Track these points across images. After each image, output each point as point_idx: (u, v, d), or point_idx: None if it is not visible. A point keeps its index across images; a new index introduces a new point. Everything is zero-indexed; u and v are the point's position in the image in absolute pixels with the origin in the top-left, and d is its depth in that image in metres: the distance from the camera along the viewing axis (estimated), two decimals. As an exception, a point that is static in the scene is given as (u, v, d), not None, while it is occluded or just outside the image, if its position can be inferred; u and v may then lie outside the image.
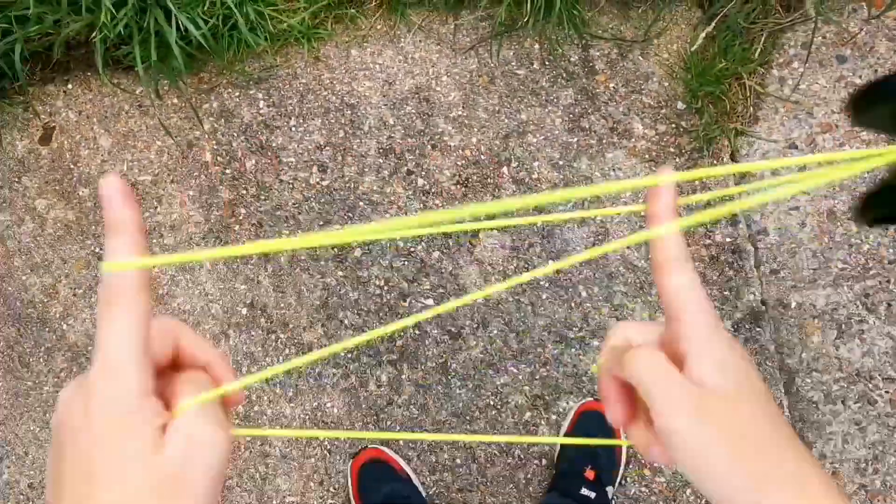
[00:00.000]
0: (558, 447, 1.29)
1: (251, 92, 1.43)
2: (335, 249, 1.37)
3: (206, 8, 1.29)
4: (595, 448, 1.24)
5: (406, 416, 1.33)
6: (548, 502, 1.25)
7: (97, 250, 1.41)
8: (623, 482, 1.28)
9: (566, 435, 1.29)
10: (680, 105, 1.37)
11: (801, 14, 1.35)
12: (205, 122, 1.42)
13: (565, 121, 1.38)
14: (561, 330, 1.33)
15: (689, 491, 1.27)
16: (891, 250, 1.30)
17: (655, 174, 0.40)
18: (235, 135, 1.42)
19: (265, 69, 1.42)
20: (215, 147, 1.42)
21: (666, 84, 1.37)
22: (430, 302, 1.35)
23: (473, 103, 1.40)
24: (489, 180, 1.37)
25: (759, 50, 1.35)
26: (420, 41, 1.42)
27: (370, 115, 1.41)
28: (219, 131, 1.42)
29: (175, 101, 1.43)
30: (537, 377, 1.32)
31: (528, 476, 1.31)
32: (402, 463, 1.30)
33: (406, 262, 1.36)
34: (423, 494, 1.29)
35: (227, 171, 1.41)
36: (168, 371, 0.38)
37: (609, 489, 1.23)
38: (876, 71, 1.35)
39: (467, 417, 1.32)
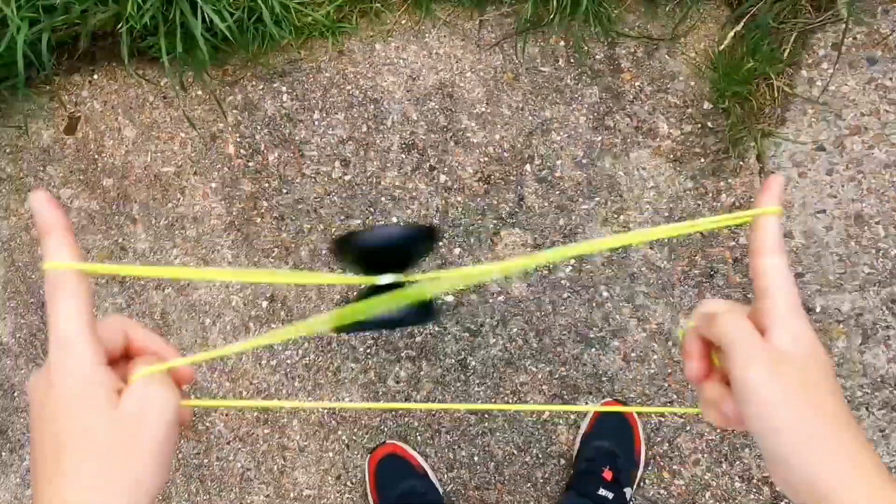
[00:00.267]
0: (576, 448, 1.28)
1: (275, 85, 1.43)
2: (356, 244, 1.37)
3: (231, 0, 1.29)
4: (614, 449, 1.24)
5: (424, 412, 1.33)
6: (565, 502, 1.24)
7: (120, 241, 1.42)
8: (642, 484, 1.27)
9: (584, 436, 1.28)
10: (706, 105, 1.35)
11: (831, 14, 1.33)
12: (228, 114, 1.42)
13: (589, 119, 1.37)
14: (581, 329, 1.32)
15: (707, 494, 1.27)
16: (919, 256, 1.29)
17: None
18: (259, 127, 1.42)
19: (289, 62, 1.42)
20: (238, 139, 1.42)
21: (692, 83, 1.36)
22: (450, 298, 1.35)
23: (497, 100, 1.39)
24: (512, 177, 1.37)
25: (787, 50, 1.33)
26: (445, 37, 1.41)
27: (393, 111, 1.40)
28: (242, 124, 1.42)
29: (199, 92, 1.43)
30: (556, 376, 1.32)
31: (546, 475, 1.30)
32: (420, 459, 1.30)
33: (427, 258, 1.36)
34: (440, 491, 1.29)
35: (250, 163, 1.41)
36: (122, 360, 0.43)
37: (627, 490, 1.22)
38: (907, 73, 1.33)
39: (485, 415, 1.32)
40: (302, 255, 1.38)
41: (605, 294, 1.33)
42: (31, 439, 0.40)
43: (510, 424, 1.32)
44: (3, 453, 1.44)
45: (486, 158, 1.38)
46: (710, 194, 1.33)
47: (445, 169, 1.38)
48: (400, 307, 0.42)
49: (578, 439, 1.29)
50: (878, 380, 1.26)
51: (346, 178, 1.39)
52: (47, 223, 0.40)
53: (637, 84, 1.37)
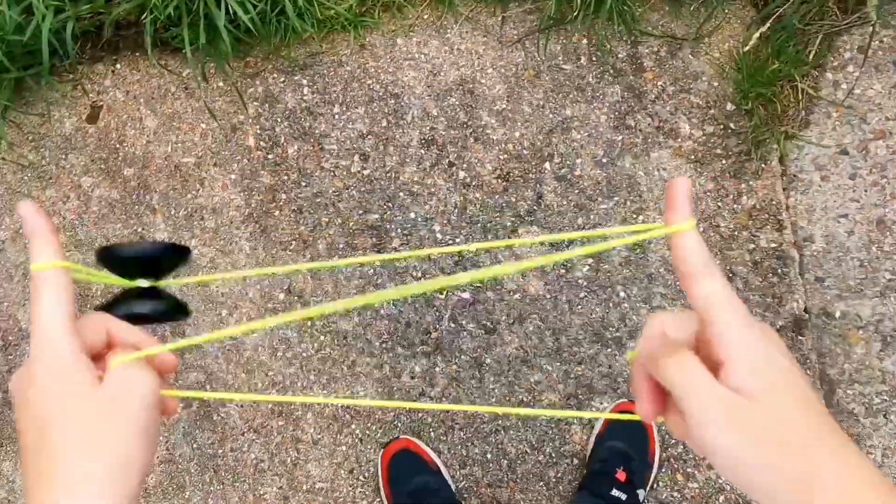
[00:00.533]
0: (590, 448, 1.28)
1: (296, 78, 1.43)
2: (374, 239, 1.37)
3: (255, -8, 1.30)
4: (628, 450, 1.23)
5: (438, 409, 1.33)
6: (578, 501, 1.24)
7: (140, 230, 1.43)
8: (655, 486, 1.27)
9: (598, 436, 1.28)
10: (729, 106, 1.34)
11: (858, 17, 1.32)
12: (249, 106, 1.43)
13: (610, 118, 1.36)
14: (598, 329, 1.32)
15: (721, 498, 1.26)
16: (942, 263, 1.27)
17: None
18: (279, 120, 1.42)
19: (311, 55, 1.42)
20: (258, 132, 1.42)
21: (715, 84, 1.35)
22: (466, 295, 1.35)
23: (518, 97, 1.38)
24: (531, 175, 1.36)
25: (813, 52, 1.32)
26: (466, 32, 1.41)
27: (414, 106, 1.40)
28: (262, 116, 1.43)
29: (221, 84, 1.44)
30: (572, 376, 1.31)
31: (559, 475, 1.30)
32: (433, 455, 1.30)
33: (444, 255, 1.36)
34: (453, 488, 1.29)
35: (270, 156, 1.42)
36: (105, 356, 0.44)
37: (640, 492, 1.22)
38: (935, 78, 1.31)
39: (499, 413, 1.32)
40: (319, 249, 1.38)
41: (623, 294, 1.32)
42: (17, 433, 0.41)
43: (524, 423, 1.31)
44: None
45: (505, 155, 1.37)
46: (731, 196, 1.32)
47: (465, 165, 1.38)
48: (151, 306, 0.48)
49: (592, 439, 1.29)
50: (898, 387, 1.25)
51: (365, 172, 1.39)
52: (33, 227, 0.42)
53: (659, 84, 1.36)
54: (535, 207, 1.35)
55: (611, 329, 1.31)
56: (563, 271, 1.33)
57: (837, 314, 1.28)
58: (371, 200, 1.38)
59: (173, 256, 0.49)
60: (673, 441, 1.28)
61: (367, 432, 1.34)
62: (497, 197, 1.36)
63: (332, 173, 1.40)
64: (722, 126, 1.34)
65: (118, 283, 0.49)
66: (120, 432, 0.40)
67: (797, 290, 1.29)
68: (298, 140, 1.41)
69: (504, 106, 1.38)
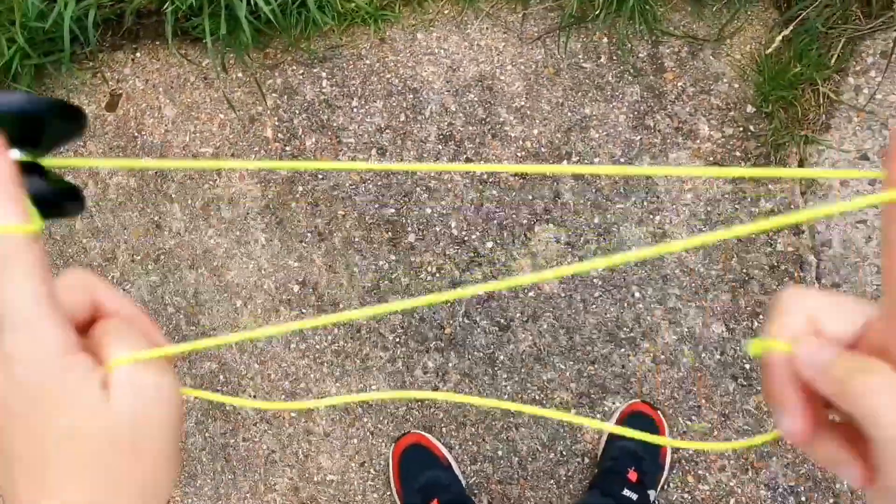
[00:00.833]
0: (601, 448, 1.28)
1: (315, 70, 1.43)
2: (389, 233, 1.38)
3: (277, -16, 1.30)
4: (640, 450, 1.23)
5: (450, 404, 1.33)
6: (588, 500, 1.24)
7: (156, 218, 1.43)
8: (666, 487, 1.27)
9: (610, 436, 1.28)
10: (749, 108, 1.34)
11: (882, 21, 1.31)
12: (268, 97, 1.43)
13: (629, 118, 1.36)
14: (612, 329, 1.32)
15: (732, 501, 1.26)
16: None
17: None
18: (297, 112, 1.42)
19: (330, 48, 1.42)
20: (277, 123, 1.43)
21: (736, 86, 1.34)
22: (480, 292, 1.35)
23: (537, 94, 1.38)
24: (548, 173, 1.36)
25: (835, 56, 1.31)
26: (487, 28, 1.41)
27: (432, 101, 1.40)
28: (281, 108, 1.43)
29: (240, 75, 1.44)
30: (584, 375, 1.31)
31: (570, 473, 1.30)
32: (444, 450, 1.30)
33: (459, 251, 1.36)
34: (463, 483, 1.29)
35: (287, 147, 1.42)
36: (88, 326, 0.34)
37: (651, 493, 1.22)
38: (958, 85, 1.30)
39: (511, 410, 1.32)
40: (335, 242, 1.38)
41: (637, 294, 1.32)
42: None
43: (535, 420, 1.31)
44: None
45: (523, 153, 1.37)
46: (749, 199, 1.31)
47: (482, 162, 1.38)
48: (32, 179, 0.34)
49: (604, 439, 1.29)
50: (912, 395, 1.25)
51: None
52: None
53: (679, 84, 1.36)
54: (551, 205, 1.35)
55: (625, 329, 1.31)
56: (578, 270, 1.33)
57: (853, 320, 1.28)
58: (387, 195, 1.39)
59: (59, 119, 0.35)
60: (684, 442, 1.28)
61: (379, 426, 1.35)
62: (514, 194, 1.36)
63: (349, 167, 1.40)
64: (741, 128, 1.33)
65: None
66: (142, 465, 0.31)
67: (813, 295, 1.28)
68: (316, 132, 1.42)
69: (523, 103, 1.38)
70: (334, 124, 1.41)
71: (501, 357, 1.33)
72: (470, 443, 1.32)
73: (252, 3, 1.29)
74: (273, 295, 1.39)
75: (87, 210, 1.46)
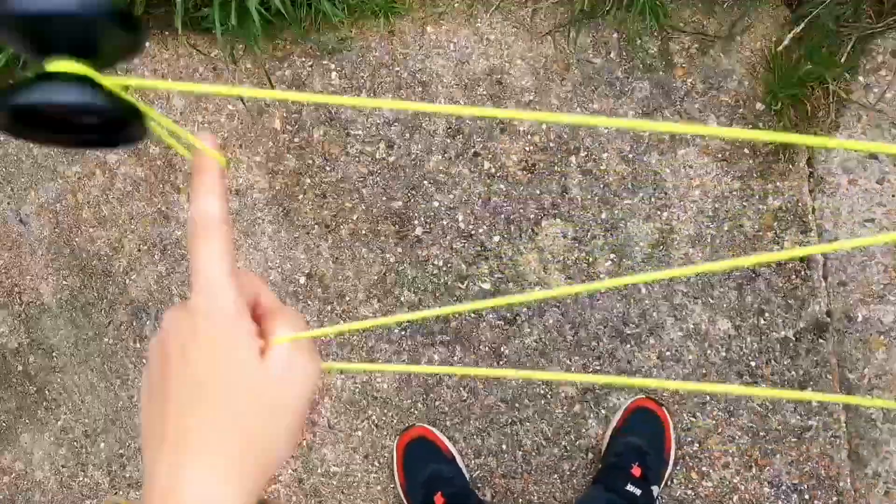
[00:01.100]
0: (606, 443, 1.28)
1: (324, 62, 1.43)
2: (396, 226, 1.38)
3: (288, -25, 1.29)
4: (644, 446, 1.23)
5: (455, 398, 1.33)
6: (592, 495, 1.24)
7: (163, 208, 1.44)
8: (669, 483, 1.27)
9: (615, 431, 1.28)
10: (759, 106, 1.33)
11: (894, 20, 1.30)
12: (277, 89, 1.43)
13: (638, 113, 1.36)
14: (617, 325, 1.32)
15: (735, 498, 1.26)
16: (967, 271, 1.26)
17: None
18: (305, 104, 1.42)
19: (340, 40, 1.42)
20: (285, 115, 1.43)
21: (746, 83, 1.34)
22: (486, 286, 1.35)
23: (546, 89, 1.38)
24: (556, 168, 1.36)
25: (845, 54, 1.31)
26: (497, 23, 1.40)
27: (441, 94, 1.40)
28: (290, 100, 1.43)
29: (249, 66, 1.44)
30: (590, 370, 1.31)
31: (573, 468, 1.30)
32: (448, 444, 1.31)
33: (466, 244, 1.36)
34: (467, 477, 1.29)
35: (296, 139, 1.42)
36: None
37: (655, 488, 1.22)
38: (968, 84, 1.30)
39: (516, 405, 1.32)
40: (342, 234, 1.39)
41: (644, 291, 1.32)
42: (155, 375, 0.37)
43: (540, 415, 1.32)
44: (40, 411, 1.47)
45: (531, 147, 1.37)
46: (757, 196, 1.31)
47: (490, 156, 1.38)
48: (87, 95, 0.30)
49: (608, 434, 1.29)
50: (918, 394, 1.25)
51: (390, 159, 1.39)
52: (201, 164, 0.38)
53: (689, 81, 1.35)
54: (559, 200, 1.35)
55: (630, 325, 1.31)
56: (585, 266, 1.33)
57: (859, 318, 1.28)
58: (395, 188, 1.39)
59: (117, 28, 0.30)
60: (689, 439, 1.28)
61: (384, 418, 1.35)
62: (521, 188, 1.36)
63: (357, 159, 1.40)
64: (750, 125, 1.33)
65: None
66: (271, 429, 0.36)
67: (820, 294, 1.28)
68: (324, 125, 1.42)
69: (532, 98, 1.38)
70: (342, 117, 1.41)
71: (507, 351, 1.33)
72: (474, 436, 1.32)
73: (262, -6, 1.29)
74: (279, 286, 1.39)
75: (93, 199, 1.46)
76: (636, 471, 1.21)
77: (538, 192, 1.36)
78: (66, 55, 0.30)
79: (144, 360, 1.44)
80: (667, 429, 1.26)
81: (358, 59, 1.42)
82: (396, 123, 1.40)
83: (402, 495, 1.30)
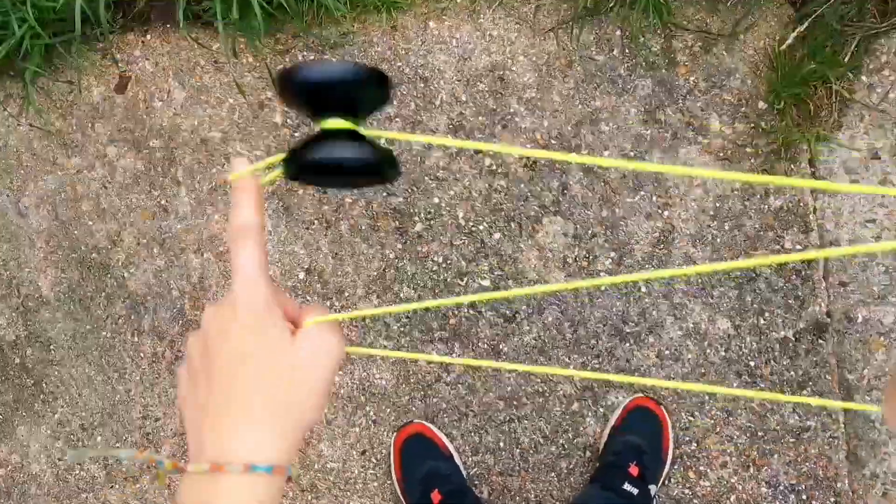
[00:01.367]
0: (604, 441, 1.28)
1: (326, 57, 1.42)
2: (396, 222, 1.37)
3: (290, -31, 1.29)
4: (642, 444, 1.23)
5: (453, 395, 1.33)
6: (589, 494, 1.24)
7: (163, 202, 1.43)
8: (667, 482, 1.27)
9: (613, 429, 1.27)
10: (761, 104, 1.33)
11: (898, 20, 1.30)
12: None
13: (640, 111, 1.35)
14: (617, 323, 1.31)
15: (733, 497, 1.26)
16: (969, 273, 1.26)
17: None
18: (306, 99, 1.42)
19: (342, 35, 1.42)
20: (286, 109, 1.42)
21: (749, 82, 1.34)
22: (486, 283, 1.34)
23: (548, 86, 1.37)
24: (557, 165, 1.35)
25: (849, 54, 1.30)
26: (499, 18, 1.40)
27: (443, 90, 1.39)
28: (290, 94, 1.42)
29: (250, 59, 1.43)
30: (589, 368, 1.31)
31: (571, 466, 1.30)
32: (446, 441, 1.30)
33: (466, 241, 1.35)
34: (464, 474, 1.29)
35: (297, 133, 1.41)
36: None
37: (652, 487, 1.22)
38: (972, 86, 1.29)
39: (514, 402, 1.32)
40: (342, 229, 1.38)
41: (644, 289, 1.32)
42: (202, 359, 0.42)
43: (538, 413, 1.31)
44: (36, 404, 1.46)
45: (532, 144, 1.37)
46: (759, 195, 1.31)
47: (491, 152, 1.37)
48: (356, 150, 0.39)
49: (606, 432, 1.28)
50: (917, 396, 1.24)
51: (391, 155, 1.39)
52: (242, 184, 0.44)
53: (692, 79, 1.35)
54: (560, 198, 1.35)
55: (630, 323, 1.31)
56: (585, 263, 1.33)
57: (860, 319, 1.27)
58: (395, 183, 1.38)
59: (373, 87, 0.38)
60: (687, 438, 1.28)
61: (381, 415, 1.35)
62: (522, 186, 1.36)
63: (357, 154, 1.39)
64: (753, 124, 1.33)
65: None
66: (303, 394, 0.42)
67: (820, 294, 1.28)
68: (325, 119, 1.41)
69: (534, 94, 1.38)
70: (343, 111, 1.41)
71: (506, 349, 1.33)
72: (472, 434, 1.32)
73: (264, -13, 1.28)
74: (278, 281, 1.39)
75: (93, 192, 1.46)
76: (634, 470, 1.21)
77: (539, 189, 1.35)
78: (338, 114, 0.38)
79: (142, 355, 1.44)
80: (665, 428, 1.26)
81: (360, 53, 1.42)
82: (397, 119, 1.39)
83: (399, 492, 1.30)
